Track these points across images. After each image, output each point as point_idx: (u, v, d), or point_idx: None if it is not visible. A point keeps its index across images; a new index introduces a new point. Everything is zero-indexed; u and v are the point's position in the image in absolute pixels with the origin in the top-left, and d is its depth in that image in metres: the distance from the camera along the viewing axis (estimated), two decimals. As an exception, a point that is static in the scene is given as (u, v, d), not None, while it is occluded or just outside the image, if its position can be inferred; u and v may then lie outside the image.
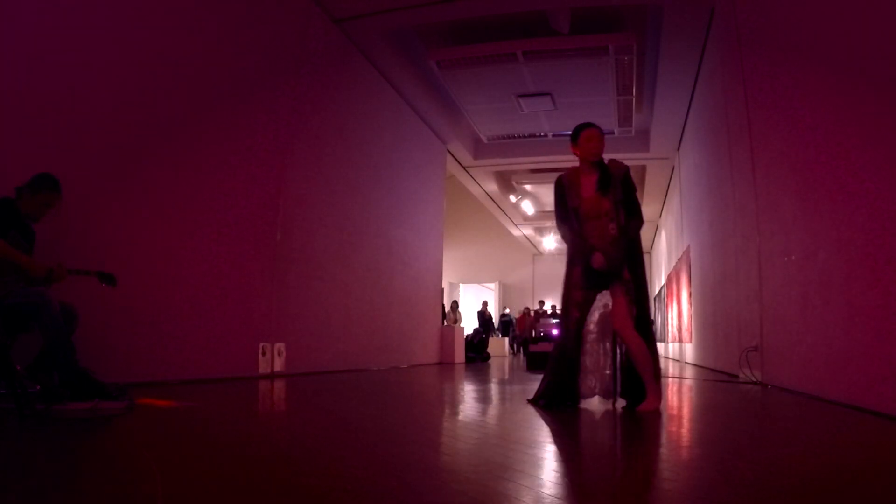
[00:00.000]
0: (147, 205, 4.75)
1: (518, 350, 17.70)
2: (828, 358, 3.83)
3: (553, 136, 11.38)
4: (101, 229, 4.36)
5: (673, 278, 13.46)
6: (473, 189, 14.39)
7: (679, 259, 12.15)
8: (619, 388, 3.57)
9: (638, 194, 3.68)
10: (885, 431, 2.73)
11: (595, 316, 3.63)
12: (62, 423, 2.73)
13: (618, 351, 3.58)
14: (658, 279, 17.96)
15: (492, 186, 14.16)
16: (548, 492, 1.59)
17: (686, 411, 3.74)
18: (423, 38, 8.15)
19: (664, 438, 2.68)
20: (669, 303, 14.32)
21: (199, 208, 5.24)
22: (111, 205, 4.46)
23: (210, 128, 5.40)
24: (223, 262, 5.46)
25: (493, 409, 3.89)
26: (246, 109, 5.83)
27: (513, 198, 15.16)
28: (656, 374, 3.45)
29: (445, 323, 12.35)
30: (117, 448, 2.27)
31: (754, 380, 5.51)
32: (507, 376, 7.42)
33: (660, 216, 16.87)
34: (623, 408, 3.46)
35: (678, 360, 12.49)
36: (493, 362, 11.82)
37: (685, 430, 2.93)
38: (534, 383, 5.03)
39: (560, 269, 3.86)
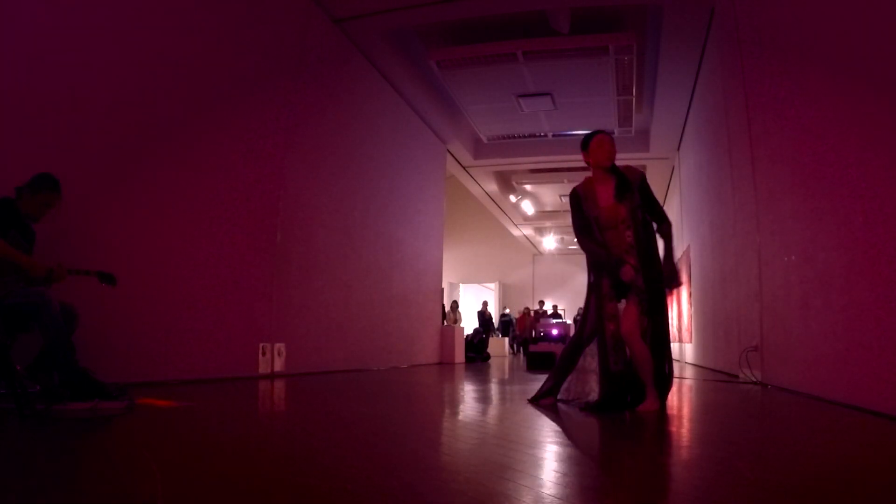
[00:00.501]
0: (147, 205, 4.75)
1: (518, 350, 17.69)
2: (828, 358, 3.83)
3: (553, 136, 11.38)
4: (101, 229, 4.37)
5: (673, 278, 13.43)
6: (473, 189, 14.39)
7: (679, 259, 12.15)
8: (604, 392, 3.55)
9: None
10: (885, 431, 2.73)
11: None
12: (62, 423, 2.72)
13: (609, 354, 3.55)
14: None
15: (492, 186, 14.16)
16: (548, 492, 1.59)
17: (686, 411, 3.74)
18: (423, 39, 8.15)
19: (664, 438, 2.68)
20: (670, 303, 14.32)
21: (199, 208, 5.24)
22: (111, 205, 4.46)
23: (210, 128, 5.40)
24: (223, 262, 5.46)
25: (493, 409, 3.89)
26: (246, 109, 5.83)
27: (513, 198, 15.17)
28: (669, 377, 3.48)
29: (445, 323, 12.34)
30: (117, 448, 2.27)
31: (754, 380, 5.51)
32: (507, 376, 7.42)
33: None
34: (623, 408, 3.47)
35: (678, 361, 12.49)
36: (493, 362, 11.82)
37: (685, 430, 2.93)
38: (534, 383, 5.03)
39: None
